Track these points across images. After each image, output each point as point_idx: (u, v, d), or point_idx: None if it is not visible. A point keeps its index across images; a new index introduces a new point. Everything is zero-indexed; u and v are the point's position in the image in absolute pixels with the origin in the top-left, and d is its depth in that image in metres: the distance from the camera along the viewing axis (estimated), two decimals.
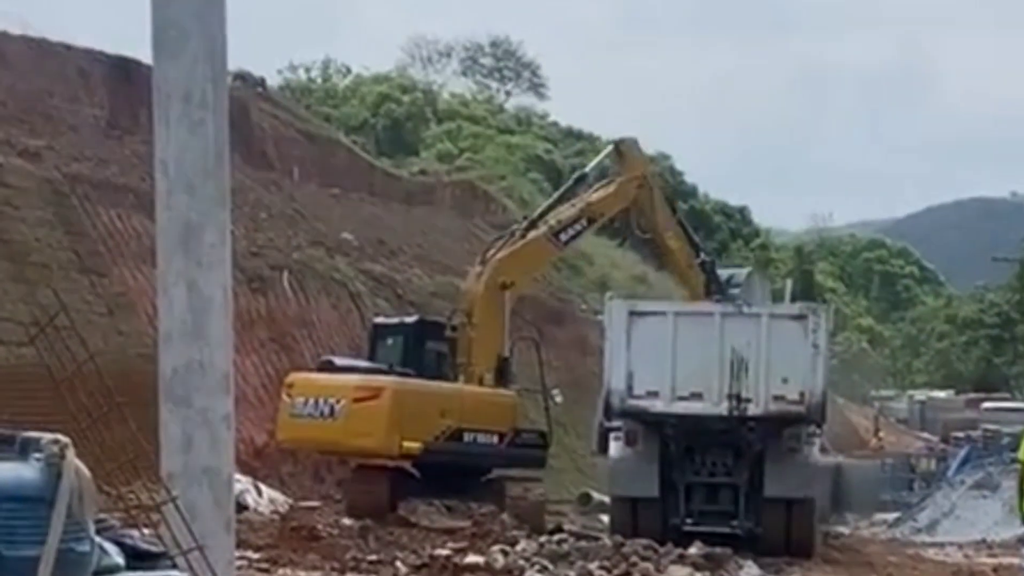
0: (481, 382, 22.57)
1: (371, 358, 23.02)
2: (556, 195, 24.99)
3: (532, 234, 23.57)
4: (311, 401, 21.43)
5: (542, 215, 24.18)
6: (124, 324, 25.07)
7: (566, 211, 24.04)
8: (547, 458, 23.76)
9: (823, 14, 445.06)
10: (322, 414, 21.34)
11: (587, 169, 25.68)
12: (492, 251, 23.66)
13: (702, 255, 25.15)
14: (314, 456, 26.02)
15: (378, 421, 20.95)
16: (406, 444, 21.04)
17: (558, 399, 23.84)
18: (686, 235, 25.26)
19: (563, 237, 24.00)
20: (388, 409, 20.99)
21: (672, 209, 25.62)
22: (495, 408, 22.38)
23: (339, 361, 22.92)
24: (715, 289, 24.19)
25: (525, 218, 24.47)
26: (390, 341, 23.25)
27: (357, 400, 21.04)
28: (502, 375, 22.87)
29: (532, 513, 21.74)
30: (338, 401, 21.14)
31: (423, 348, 22.81)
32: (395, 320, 25.12)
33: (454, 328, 23.03)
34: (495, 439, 22.16)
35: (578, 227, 24.13)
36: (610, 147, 25.52)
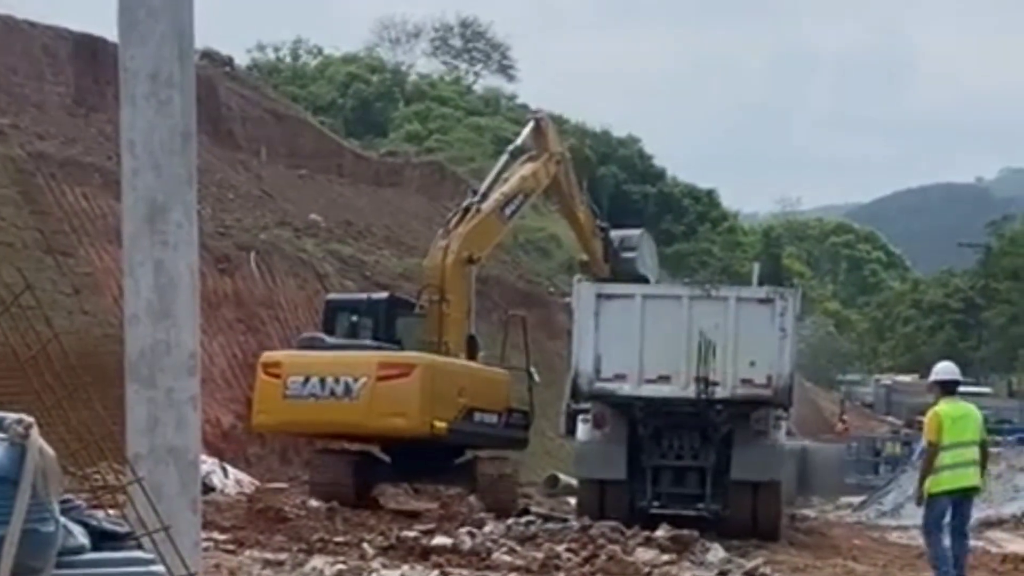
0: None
1: (327, 335, 21.87)
2: (497, 169, 24.63)
3: (485, 208, 23.18)
4: (314, 381, 20.06)
5: (489, 189, 23.81)
6: (90, 304, 24.94)
7: (505, 186, 23.85)
8: (529, 438, 23.23)
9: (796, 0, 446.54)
10: (333, 394, 19.99)
11: (519, 142, 25.60)
12: (453, 225, 23.03)
13: (599, 222, 26.08)
14: (281, 438, 25.79)
15: (410, 400, 19.83)
16: (437, 424, 20.05)
17: (536, 378, 23.52)
18: (590, 206, 26.25)
19: (507, 212, 23.78)
20: (420, 387, 19.94)
21: (580, 183, 26.50)
22: (496, 387, 21.81)
23: (329, 339, 21.52)
24: (611, 254, 25.39)
25: (474, 192, 23.98)
26: (354, 318, 22.29)
27: (383, 378, 19.87)
28: (470, 352, 22.27)
29: (505, 493, 21.11)
30: (356, 379, 19.90)
31: (393, 325, 22.03)
32: (359, 296, 24.27)
33: (421, 305, 22.31)
34: (495, 419, 21.55)
35: (517, 202, 24.00)
36: (531, 123, 25.62)
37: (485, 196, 23.46)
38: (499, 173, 24.31)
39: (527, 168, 24.31)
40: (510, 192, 23.74)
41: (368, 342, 21.22)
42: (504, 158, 25.01)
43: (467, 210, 23.17)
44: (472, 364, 21.83)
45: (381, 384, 19.80)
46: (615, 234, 26.22)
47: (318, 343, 21.18)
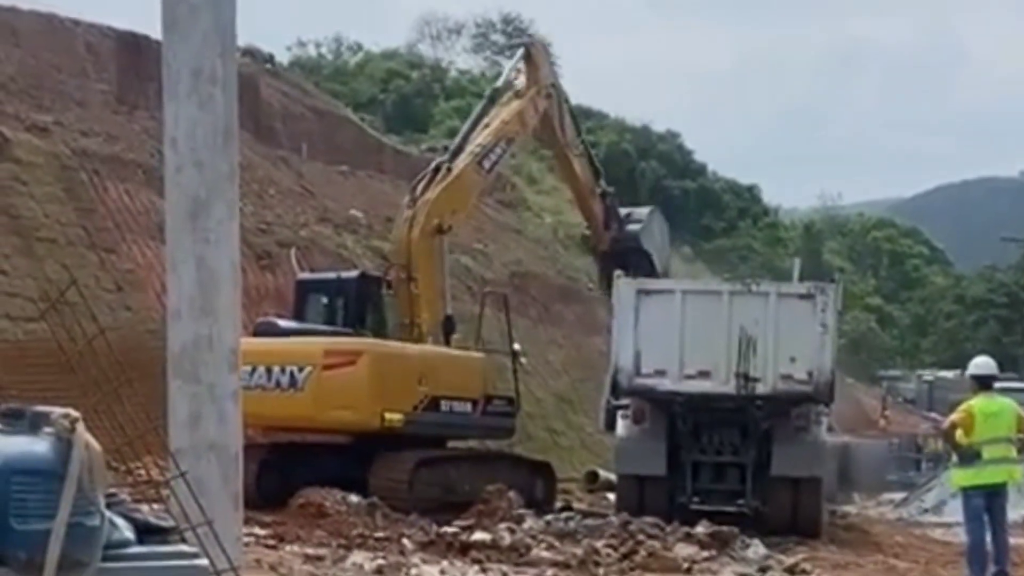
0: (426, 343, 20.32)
1: (298, 318, 20.38)
2: (472, 118, 22.13)
3: (458, 166, 21.15)
4: (260, 370, 18.27)
5: (463, 143, 21.69)
6: (132, 300, 25.09)
7: (483, 136, 21.60)
8: (515, 427, 21.77)
9: None
10: (279, 385, 18.43)
11: (499, 83, 23.03)
12: (420, 191, 20.91)
13: (603, 184, 23.98)
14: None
15: (357, 390, 18.35)
16: (388, 416, 18.61)
17: (523, 360, 22.27)
18: (590, 159, 24.01)
19: (486, 164, 21.69)
20: (367, 376, 18.46)
21: (577, 129, 23.98)
22: (467, 373, 20.26)
23: (284, 323, 19.84)
24: (614, 223, 23.59)
25: (446, 148, 21.91)
26: (324, 299, 20.60)
27: (328, 367, 18.39)
28: (447, 334, 20.69)
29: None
30: (300, 369, 18.41)
31: (364, 306, 20.33)
32: (329, 276, 22.20)
33: (389, 284, 20.59)
34: (469, 407, 20.10)
35: (499, 151, 21.86)
36: (521, 50, 23.07)
37: (457, 152, 21.32)
38: (476, 121, 21.91)
39: (512, 108, 21.91)
40: (489, 141, 21.48)
41: (322, 327, 19.64)
42: (482, 103, 22.36)
43: (437, 171, 21.13)
44: (437, 348, 20.22)
45: (327, 374, 18.35)
46: (623, 210, 24.48)
47: (272, 329, 19.48)
